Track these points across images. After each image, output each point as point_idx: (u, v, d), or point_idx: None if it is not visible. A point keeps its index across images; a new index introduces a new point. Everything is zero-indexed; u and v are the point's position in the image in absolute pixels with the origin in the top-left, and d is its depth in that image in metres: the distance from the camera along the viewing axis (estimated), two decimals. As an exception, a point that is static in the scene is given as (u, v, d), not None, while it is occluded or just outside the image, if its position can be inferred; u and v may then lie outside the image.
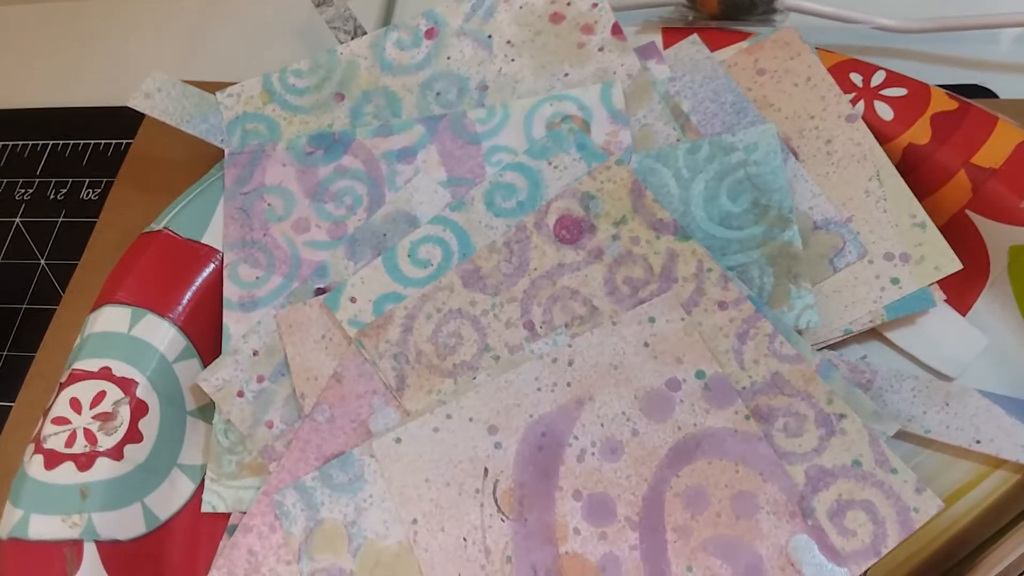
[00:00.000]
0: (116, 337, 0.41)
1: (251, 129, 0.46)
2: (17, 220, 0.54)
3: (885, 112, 0.41)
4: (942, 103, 0.41)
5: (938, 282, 0.39)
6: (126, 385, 0.40)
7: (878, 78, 0.42)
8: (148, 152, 0.54)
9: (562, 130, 0.43)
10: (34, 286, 0.52)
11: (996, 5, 0.49)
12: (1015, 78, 0.47)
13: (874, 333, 0.40)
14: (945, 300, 0.39)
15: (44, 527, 0.37)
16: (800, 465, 0.36)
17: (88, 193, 0.54)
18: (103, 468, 0.38)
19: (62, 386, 0.40)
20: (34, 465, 0.38)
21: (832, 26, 0.48)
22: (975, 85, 0.47)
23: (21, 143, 0.57)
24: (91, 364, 0.41)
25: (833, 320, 0.39)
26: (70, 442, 0.39)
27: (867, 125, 0.41)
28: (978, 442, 0.36)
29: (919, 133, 0.40)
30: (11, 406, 0.48)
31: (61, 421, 0.39)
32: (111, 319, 0.42)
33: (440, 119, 0.45)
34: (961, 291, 0.40)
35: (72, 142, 0.56)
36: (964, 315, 0.39)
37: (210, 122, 0.47)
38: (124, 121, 0.56)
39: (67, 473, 0.38)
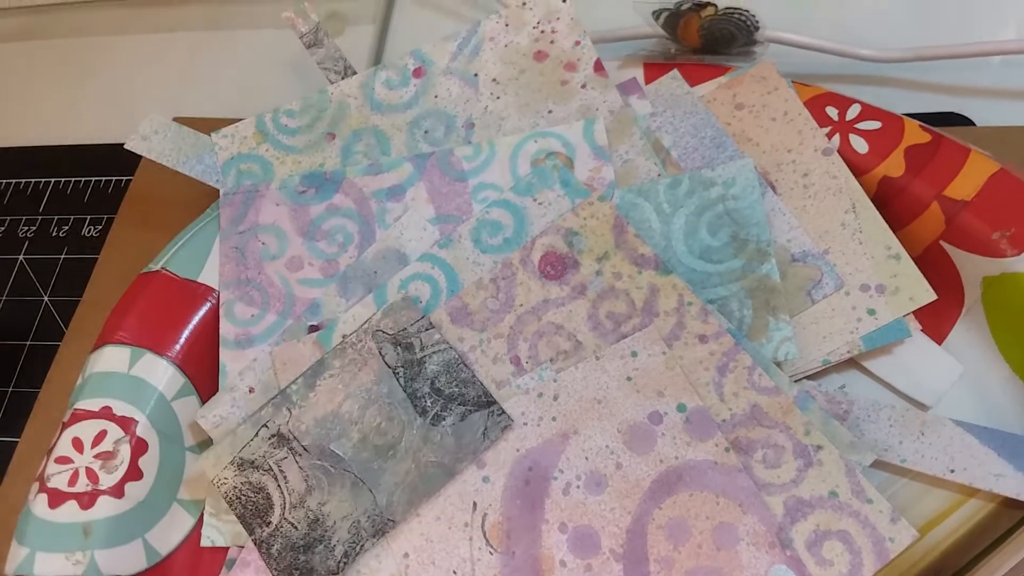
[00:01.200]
0: (116, 376, 0.42)
1: (245, 169, 0.48)
2: (21, 257, 0.55)
3: (860, 145, 0.42)
4: (915, 135, 0.42)
5: (914, 312, 0.40)
6: (126, 424, 0.41)
7: (853, 111, 0.43)
8: (147, 190, 0.55)
9: (546, 167, 0.44)
10: (38, 323, 0.53)
11: (973, 34, 0.50)
12: (992, 104, 0.48)
13: (852, 362, 0.41)
14: (921, 330, 0.40)
15: (48, 565, 0.38)
16: (779, 496, 0.36)
17: (89, 230, 0.56)
18: (105, 506, 0.40)
19: (65, 425, 0.41)
20: (39, 504, 0.40)
21: (812, 56, 0.49)
22: (953, 113, 0.48)
23: (24, 181, 0.58)
24: (92, 404, 0.42)
25: (811, 351, 0.40)
26: (73, 481, 0.40)
27: (843, 158, 0.42)
28: (952, 471, 0.37)
29: (893, 166, 0.41)
30: (16, 442, 0.49)
31: (64, 460, 0.41)
32: (111, 359, 0.43)
33: (428, 157, 0.46)
34: (936, 321, 0.40)
35: (73, 179, 0.58)
36: (940, 344, 0.40)
37: (206, 163, 0.48)
38: (124, 158, 0.56)
39: (70, 512, 0.39)
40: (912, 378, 0.40)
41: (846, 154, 0.42)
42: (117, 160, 0.57)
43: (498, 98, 0.47)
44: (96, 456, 0.41)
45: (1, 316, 0.53)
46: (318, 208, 0.46)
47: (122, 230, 0.54)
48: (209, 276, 0.45)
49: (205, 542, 0.41)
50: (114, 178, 0.57)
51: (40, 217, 0.57)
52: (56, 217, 0.56)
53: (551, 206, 0.44)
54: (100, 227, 0.55)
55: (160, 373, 0.43)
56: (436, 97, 0.48)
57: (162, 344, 0.43)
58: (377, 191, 0.46)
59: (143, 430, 0.42)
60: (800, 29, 0.48)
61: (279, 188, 0.47)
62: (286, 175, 0.47)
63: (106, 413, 0.41)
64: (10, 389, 0.51)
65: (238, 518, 0.40)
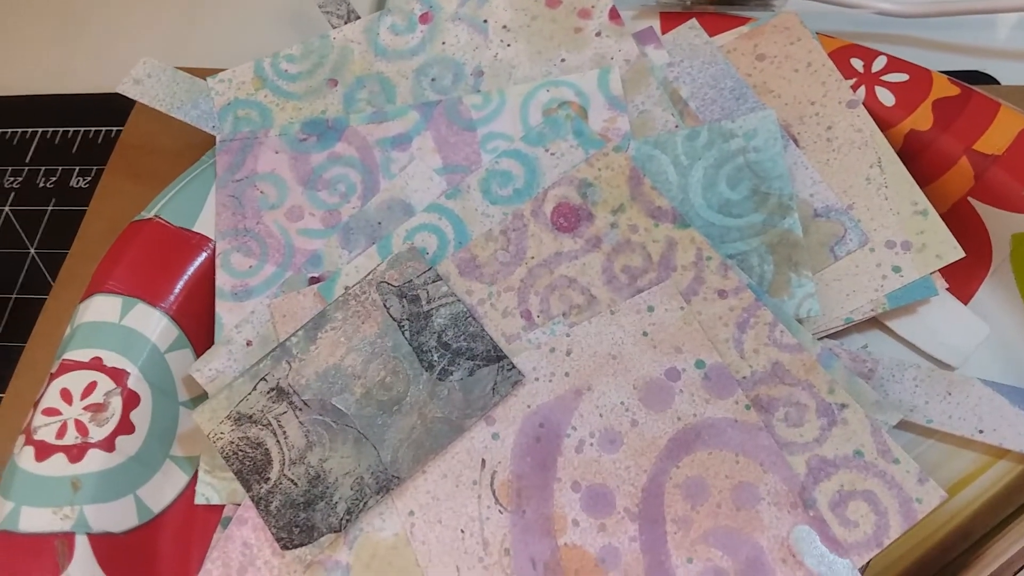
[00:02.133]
0: (107, 327, 0.40)
1: (243, 115, 0.46)
2: (6, 209, 0.53)
3: (886, 98, 0.41)
4: (944, 89, 0.40)
5: (940, 270, 0.39)
6: (117, 375, 0.39)
7: (879, 63, 0.41)
8: (138, 140, 0.53)
9: (559, 116, 0.43)
10: (24, 275, 0.51)
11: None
12: (1016, 64, 0.47)
13: (875, 322, 0.39)
14: (947, 288, 0.39)
15: (35, 519, 0.36)
16: (801, 455, 0.35)
17: (78, 181, 0.53)
18: (95, 460, 0.38)
19: (52, 376, 0.40)
20: (24, 457, 0.38)
21: (832, 11, 0.47)
22: (977, 71, 0.46)
23: (10, 131, 0.56)
24: (82, 354, 0.40)
25: (834, 309, 0.38)
26: (61, 433, 0.38)
27: (868, 111, 0.41)
28: (981, 432, 0.35)
29: (921, 119, 0.40)
30: (1, 397, 0.47)
31: (52, 412, 0.39)
32: (101, 308, 0.41)
33: (435, 105, 0.44)
34: (963, 279, 0.39)
35: (62, 130, 0.56)
36: (966, 304, 0.39)
37: (201, 108, 0.46)
38: (114, 108, 0.55)
39: (58, 465, 0.38)
40: (937, 338, 0.38)
41: (872, 107, 0.41)
42: (108, 110, 0.55)
43: (508, 45, 0.45)
44: (86, 408, 0.39)
45: (-15, 268, 0.51)
46: (319, 156, 0.44)
47: (112, 181, 0.52)
48: (205, 225, 0.43)
49: (199, 500, 0.39)
50: (104, 129, 0.55)
51: (27, 168, 0.54)
52: (43, 168, 0.54)
53: (564, 157, 0.42)
54: (89, 178, 0.53)
55: (153, 324, 0.41)
56: (444, 44, 0.46)
57: (155, 294, 0.42)
58: (381, 139, 0.44)
59: (135, 382, 0.40)
60: (820, -18, 0.46)
61: (279, 135, 0.45)
62: (286, 122, 0.45)
63: (96, 364, 0.40)
64: (-6, 342, 0.49)
65: (235, 474, 0.38)
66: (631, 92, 0.43)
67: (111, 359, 0.40)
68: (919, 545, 0.35)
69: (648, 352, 0.38)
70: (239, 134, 0.45)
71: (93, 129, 0.55)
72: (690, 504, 0.35)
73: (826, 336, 0.39)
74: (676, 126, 0.42)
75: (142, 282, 0.42)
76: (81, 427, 0.38)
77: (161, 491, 0.40)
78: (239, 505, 0.39)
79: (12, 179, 0.54)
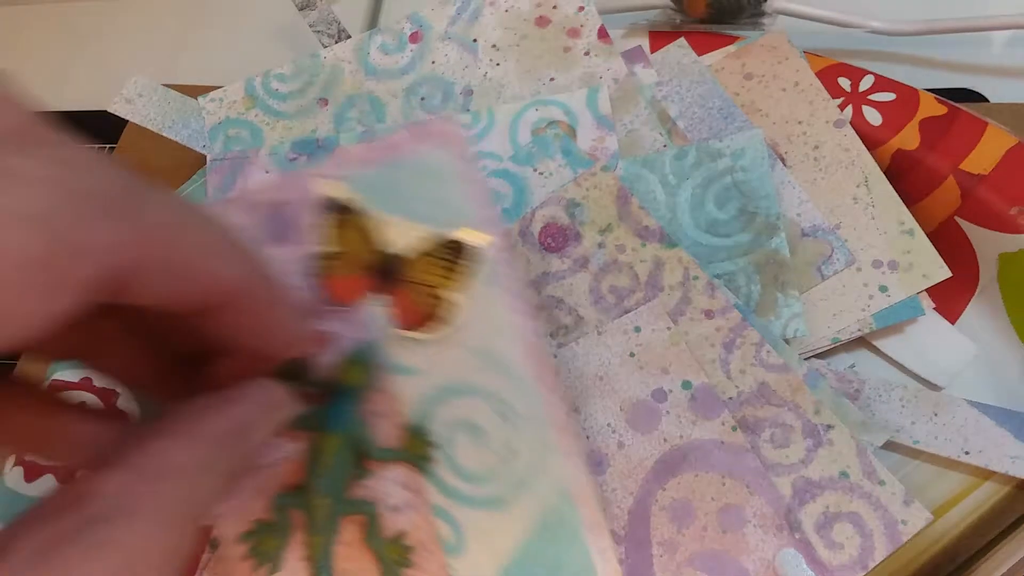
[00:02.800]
0: (96, 347, 0.41)
1: (233, 135, 0.46)
2: None
3: (874, 117, 0.41)
4: (931, 108, 0.40)
5: (927, 290, 0.39)
6: (106, 396, 0.40)
7: (866, 83, 0.42)
8: (131, 158, 0.53)
9: (548, 135, 0.43)
10: (16, 293, 0.51)
11: (986, 8, 0.48)
12: (1005, 81, 0.47)
13: (862, 342, 0.39)
14: (934, 308, 0.39)
15: (22, 542, 0.36)
16: (787, 477, 0.35)
17: (71, 198, 0.53)
18: (83, 481, 0.38)
19: (42, 397, 0.40)
20: (13, 476, 0.38)
21: (821, 29, 0.47)
22: (965, 89, 0.46)
23: (4, 147, 0.56)
24: (72, 375, 0.40)
25: (821, 329, 0.38)
26: (49, 455, 0.38)
27: (855, 130, 0.41)
28: (967, 453, 0.35)
29: (908, 138, 0.40)
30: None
31: (40, 433, 0.39)
32: (91, 329, 0.41)
33: (425, 124, 0.44)
34: (950, 299, 0.39)
35: (55, 146, 0.56)
36: (953, 323, 0.39)
37: (192, 127, 0.46)
38: (107, 125, 0.55)
39: (48, 486, 0.38)
40: (924, 358, 0.38)
41: (859, 126, 0.41)
42: (101, 128, 0.55)
43: (498, 65, 0.45)
44: (75, 429, 0.39)
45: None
46: (309, 176, 0.44)
47: (105, 198, 0.52)
48: (195, 245, 0.43)
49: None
50: (97, 146, 0.55)
51: (20, 184, 0.54)
52: (36, 185, 0.54)
53: (552, 176, 0.42)
54: (82, 195, 0.53)
55: (143, 343, 0.41)
56: (433, 63, 0.46)
57: (145, 314, 0.42)
58: (371, 159, 0.44)
59: (124, 403, 0.40)
60: (809, 0, 0.46)
61: (269, 155, 0.45)
62: (276, 141, 0.45)
63: (86, 384, 0.40)
64: (-14, 361, 0.49)
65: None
66: (619, 111, 0.43)
67: (100, 379, 0.40)
68: (905, 567, 0.35)
69: (635, 373, 0.38)
70: (229, 153, 0.45)
71: (87, 145, 0.55)
72: (676, 527, 0.35)
73: (813, 356, 0.39)
74: (664, 145, 0.42)
75: (132, 302, 0.42)
76: (70, 448, 0.38)
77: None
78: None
79: (6, 196, 0.54)
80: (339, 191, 0.37)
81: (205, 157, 0.45)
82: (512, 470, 0.35)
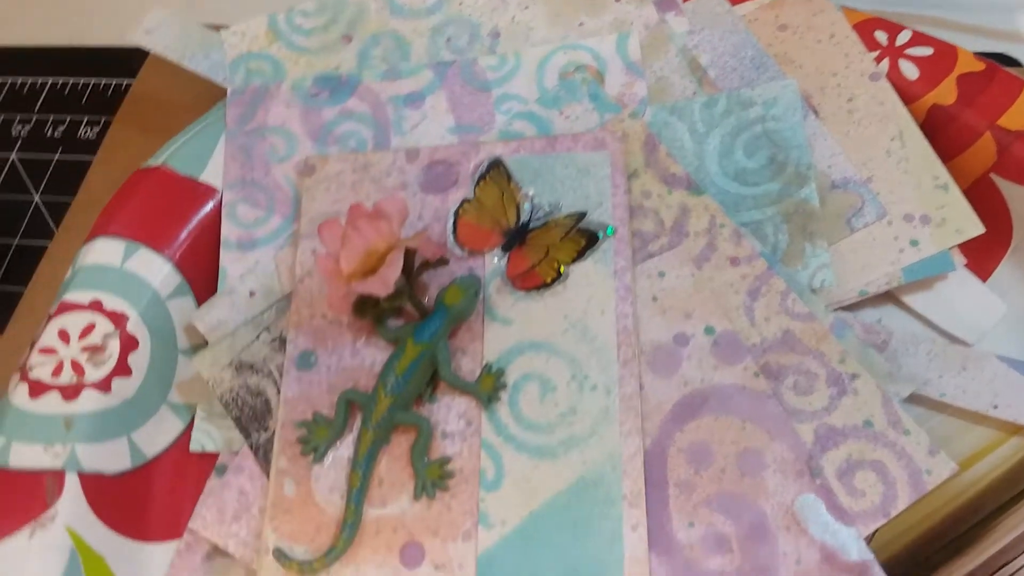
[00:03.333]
0: (108, 270, 0.40)
1: (255, 68, 0.45)
2: (13, 156, 0.53)
3: (910, 71, 0.40)
4: (969, 64, 0.40)
5: (959, 246, 0.38)
6: (117, 319, 0.39)
7: (904, 37, 0.41)
8: (149, 93, 0.52)
9: (575, 80, 0.42)
10: (27, 222, 0.50)
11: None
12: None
13: (889, 297, 0.39)
14: (965, 265, 0.38)
15: (25, 455, 0.36)
16: (809, 424, 0.34)
17: (86, 132, 0.53)
18: (89, 400, 0.37)
19: (50, 317, 0.39)
20: (18, 394, 0.37)
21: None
22: (1000, 54, 0.45)
23: (20, 80, 0.56)
24: (81, 296, 0.39)
25: (848, 281, 0.38)
26: (56, 372, 0.38)
27: (891, 84, 0.40)
28: (995, 407, 0.35)
29: (945, 93, 0.39)
30: (-2, 341, 0.46)
31: (48, 351, 0.38)
32: (104, 251, 0.40)
33: (450, 65, 0.44)
34: (982, 256, 0.38)
35: (72, 80, 0.55)
36: (984, 281, 0.38)
37: (213, 59, 0.46)
38: (126, 61, 0.54)
39: (52, 403, 0.37)
40: (953, 314, 0.38)
41: (895, 80, 0.40)
42: (119, 63, 0.55)
43: (527, 8, 0.45)
44: (83, 349, 0.38)
45: (-12, 214, 0.50)
46: (331, 111, 0.44)
47: (120, 132, 0.51)
48: (212, 175, 0.43)
49: (195, 447, 0.39)
50: (115, 81, 0.54)
51: (35, 116, 0.54)
52: (52, 117, 0.54)
53: (578, 120, 0.41)
54: (97, 129, 0.53)
55: (155, 270, 0.40)
56: (461, 4, 0.45)
57: (159, 240, 0.41)
58: (394, 97, 0.43)
59: (134, 326, 0.39)
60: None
61: (290, 89, 0.44)
62: (298, 76, 0.45)
63: (96, 306, 0.39)
64: (-6, 287, 0.49)
65: (234, 421, 0.38)
66: (649, 58, 0.42)
67: (111, 302, 0.39)
68: (927, 518, 0.34)
69: (657, 317, 0.37)
70: (250, 86, 0.44)
71: (104, 81, 0.55)
72: (694, 468, 0.34)
73: (839, 309, 0.38)
74: (694, 93, 0.42)
75: (146, 227, 0.41)
76: (77, 367, 0.38)
77: (155, 436, 0.39)
78: (235, 454, 0.38)
79: (20, 127, 0.54)
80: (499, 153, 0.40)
81: (225, 94, 0.45)
82: (568, 429, 0.35)
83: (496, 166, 0.40)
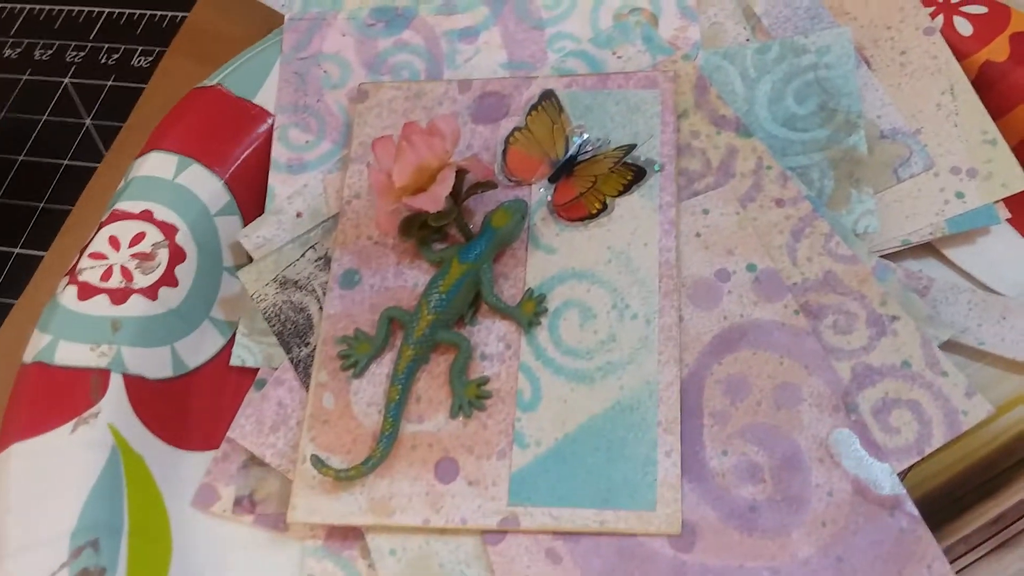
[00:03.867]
0: (160, 182, 0.41)
1: (313, -4, 0.46)
2: (66, 80, 0.53)
3: (964, 28, 0.40)
4: (1022, 23, 0.40)
5: (1004, 201, 0.38)
6: (167, 229, 0.40)
7: (960, -6, 0.41)
8: (204, 24, 0.53)
9: (629, 21, 0.42)
10: (77, 144, 0.51)
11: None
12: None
13: (931, 249, 0.39)
14: (1008, 220, 0.38)
15: (71, 353, 0.36)
16: (847, 362, 0.35)
17: (140, 61, 0.54)
18: (136, 305, 0.38)
19: (102, 224, 0.40)
20: (67, 295, 0.38)
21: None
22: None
23: (77, 8, 0.56)
24: (133, 206, 0.40)
25: (892, 229, 0.38)
26: (106, 277, 0.38)
27: (944, 40, 0.40)
28: (1034, 356, 0.35)
29: (997, 51, 0.39)
30: (44, 255, 0.47)
31: (98, 256, 0.39)
32: (157, 164, 0.41)
33: (505, 2, 0.44)
34: (1026, 213, 0.38)
35: (128, 11, 0.56)
36: (1027, 238, 0.38)
37: (272, -14, 0.46)
38: (181, -5, 0.55)
39: (100, 305, 0.38)
40: (994, 269, 0.38)
41: (948, 36, 0.40)
42: (174, -2, 0.56)
43: (585, -49, 0.45)
44: (133, 256, 0.39)
45: (40, 135, 0.51)
46: (386, 42, 0.44)
47: (174, 61, 0.52)
48: (265, 99, 0.43)
49: (235, 361, 0.39)
50: (170, 13, 0.55)
51: (90, 44, 0.55)
52: (106, 45, 0.55)
53: (631, 61, 0.42)
54: (151, 59, 0.54)
55: (206, 185, 0.41)
56: (519, -56, 0.46)
57: (210, 157, 0.42)
58: (449, 31, 0.44)
59: (183, 238, 0.40)
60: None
61: (347, 18, 0.45)
62: (356, 6, 0.45)
63: (146, 216, 0.40)
64: (42, 204, 0.49)
65: (276, 336, 0.38)
66: (704, 3, 0.43)
67: (161, 213, 0.40)
68: (963, 459, 0.34)
69: (700, 252, 0.37)
70: (308, 14, 0.45)
71: (159, 13, 0.55)
72: (729, 400, 0.35)
73: (881, 257, 0.38)
74: (747, 40, 0.42)
75: (199, 144, 0.42)
76: (126, 272, 0.38)
77: (198, 348, 0.40)
78: (275, 369, 0.38)
79: (75, 54, 0.55)
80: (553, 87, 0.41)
81: (279, 28, 0.45)
82: (607, 355, 0.36)
83: (548, 97, 0.40)
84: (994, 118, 0.39)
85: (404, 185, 0.35)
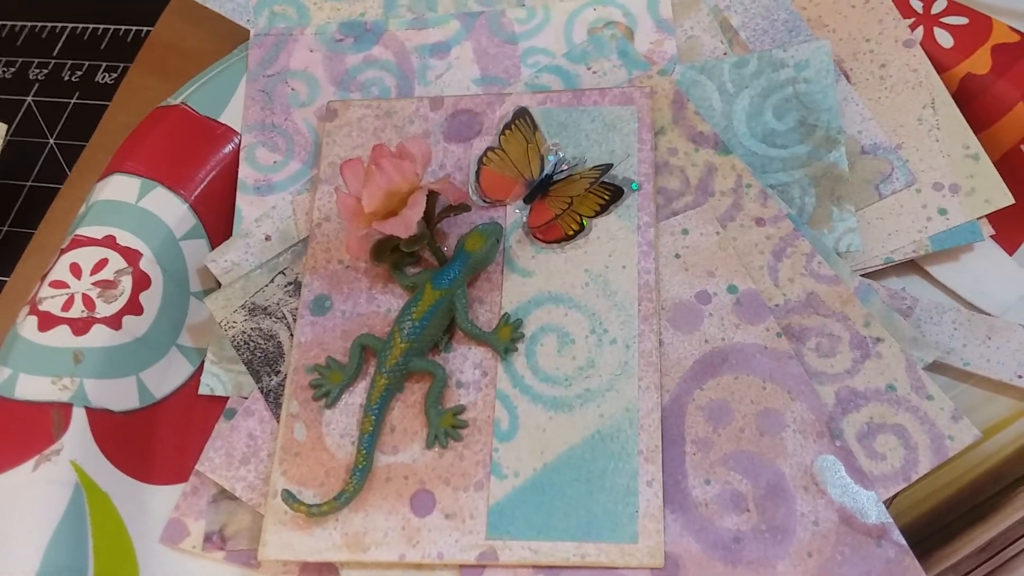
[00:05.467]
0: (123, 206, 0.39)
1: (279, 12, 0.44)
2: (29, 99, 0.52)
3: (945, 40, 0.40)
4: (1004, 35, 0.39)
5: (987, 217, 0.37)
6: (130, 255, 0.38)
7: (939, 5, 0.40)
8: (168, 39, 0.52)
9: (604, 35, 0.42)
10: (41, 164, 0.50)
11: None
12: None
13: (915, 267, 0.38)
14: (992, 236, 0.37)
15: (32, 387, 0.35)
16: (831, 386, 0.34)
17: (104, 77, 0.52)
18: (99, 335, 0.37)
19: (63, 251, 0.38)
20: (27, 326, 0.37)
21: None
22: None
23: (40, 24, 0.55)
24: (95, 231, 0.39)
25: (875, 247, 0.37)
26: (67, 306, 0.37)
27: (925, 52, 0.39)
28: (1020, 377, 0.34)
29: (978, 63, 0.39)
30: (6, 281, 0.46)
31: (59, 285, 0.38)
32: (119, 188, 0.40)
33: (477, 16, 0.43)
34: (1010, 229, 0.38)
35: (91, 26, 0.54)
36: (1011, 254, 0.38)
37: (236, 1, 0.45)
38: (146, 8, 0.54)
39: (61, 336, 0.36)
40: (978, 286, 0.37)
41: (929, 48, 0.40)
42: (139, 9, 0.54)
43: (558, -37, 0.44)
44: (95, 284, 0.38)
45: (3, 155, 0.50)
46: (355, 58, 0.43)
47: (138, 76, 0.51)
48: (231, 117, 0.42)
49: (204, 390, 0.38)
50: (134, 28, 0.54)
51: (53, 61, 0.53)
52: (70, 62, 0.53)
53: (606, 76, 0.41)
54: (115, 75, 0.52)
55: (171, 209, 0.40)
56: (491, -44, 0.45)
57: (175, 179, 0.40)
58: (420, 46, 0.43)
59: (147, 264, 0.38)
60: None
61: (315, 34, 0.44)
62: (323, 21, 0.44)
63: (109, 242, 0.38)
64: (6, 228, 0.48)
65: (245, 365, 0.37)
66: (680, 17, 0.42)
67: (125, 238, 0.39)
68: (949, 484, 0.33)
69: (679, 274, 0.36)
70: (274, 29, 0.44)
71: (123, 27, 0.54)
72: (712, 426, 0.34)
73: (864, 275, 0.37)
74: (724, 54, 0.41)
75: (163, 166, 0.40)
76: (88, 302, 0.37)
77: (165, 377, 0.38)
78: (244, 398, 0.37)
79: (38, 71, 0.53)
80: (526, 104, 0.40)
81: (245, 41, 0.44)
82: (586, 382, 0.35)
83: (522, 115, 0.39)
84: (976, 131, 0.38)
85: (374, 210, 0.34)
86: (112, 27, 0.54)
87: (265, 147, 0.41)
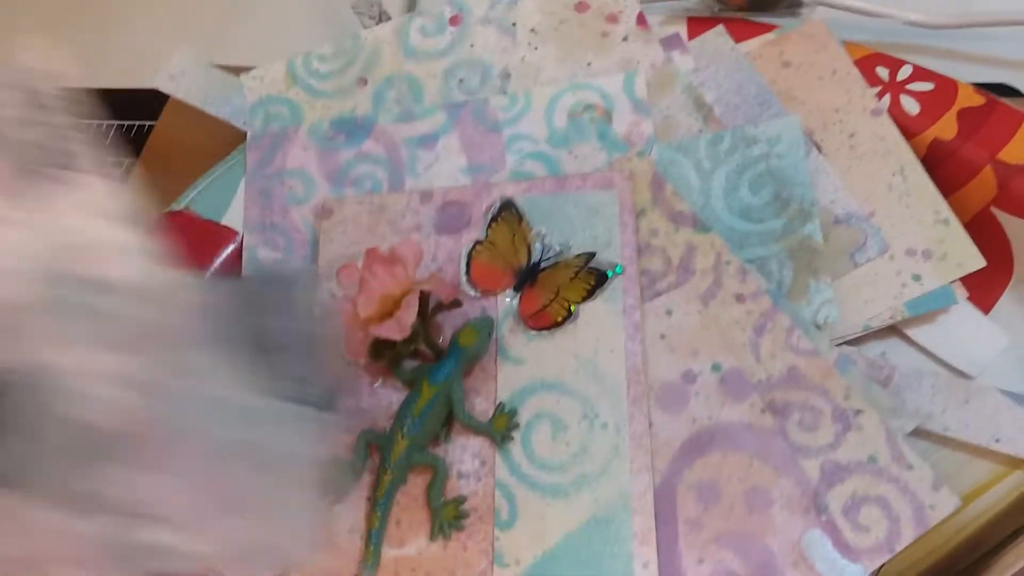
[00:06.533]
0: (135, 315, 0.41)
1: (274, 112, 0.46)
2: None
3: (911, 106, 0.41)
4: (969, 98, 0.40)
5: (961, 280, 0.38)
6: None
7: (904, 72, 0.42)
8: (170, 135, 0.54)
9: (584, 119, 0.43)
10: (56, 264, 0.52)
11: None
12: (1044, 77, 0.46)
13: (894, 330, 0.39)
14: (967, 298, 0.39)
15: None
16: (815, 459, 0.35)
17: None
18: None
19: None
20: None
21: (859, 20, 0.47)
22: (1002, 84, 0.46)
23: (47, 123, 0.57)
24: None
25: (853, 316, 0.38)
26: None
27: (893, 119, 0.41)
28: (997, 441, 0.35)
29: (945, 128, 0.40)
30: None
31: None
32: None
33: (462, 106, 0.45)
34: (984, 289, 0.39)
35: (95, 123, 0.57)
36: (986, 313, 0.39)
37: (233, 104, 0.47)
38: (148, 104, 0.55)
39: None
40: (956, 347, 0.38)
41: (896, 115, 0.41)
42: (142, 105, 0.56)
43: (536, 48, 0.46)
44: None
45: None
46: (348, 154, 0.45)
47: (144, 174, 0.53)
48: (233, 218, 0.44)
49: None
50: (137, 123, 0.56)
51: (62, 160, 0.55)
52: (78, 160, 0.55)
53: (587, 160, 0.42)
54: (121, 172, 0.54)
55: (179, 313, 0.42)
56: (472, 46, 0.46)
57: (183, 284, 0.42)
58: (409, 139, 0.45)
59: (160, 370, 0.40)
60: (848, -9, 0.46)
61: (308, 132, 0.45)
62: (315, 119, 0.46)
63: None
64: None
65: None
66: (656, 97, 0.43)
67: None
68: (931, 553, 0.34)
69: (665, 355, 0.38)
70: (269, 130, 0.46)
71: (127, 123, 0.56)
72: (703, 506, 0.35)
73: (844, 343, 0.39)
74: (700, 131, 0.42)
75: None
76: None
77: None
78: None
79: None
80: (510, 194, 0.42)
81: (243, 136, 0.46)
82: (580, 467, 0.36)
83: (507, 207, 0.41)
84: (945, 195, 0.39)
85: (369, 315, 0.36)
86: (116, 123, 0.56)
87: (266, 246, 0.43)
